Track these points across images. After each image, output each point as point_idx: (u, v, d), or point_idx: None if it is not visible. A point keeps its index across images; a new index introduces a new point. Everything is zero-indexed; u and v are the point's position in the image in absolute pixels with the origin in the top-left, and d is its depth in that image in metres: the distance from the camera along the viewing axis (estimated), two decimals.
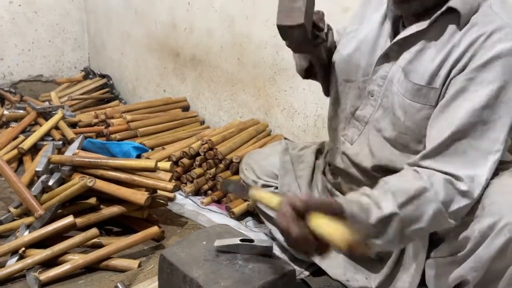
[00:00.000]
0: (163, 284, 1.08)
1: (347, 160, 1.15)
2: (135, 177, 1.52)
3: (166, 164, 1.59)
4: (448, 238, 0.99)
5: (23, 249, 1.34)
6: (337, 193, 1.26)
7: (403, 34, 0.98)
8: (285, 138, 1.46)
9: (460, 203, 0.86)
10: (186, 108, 2.54)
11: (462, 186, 0.85)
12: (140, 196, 1.44)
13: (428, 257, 1.05)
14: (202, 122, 2.47)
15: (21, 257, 1.34)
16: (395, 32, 1.02)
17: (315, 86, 1.87)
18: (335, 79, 1.17)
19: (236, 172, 1.77)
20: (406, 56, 0.98)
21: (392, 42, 1.00)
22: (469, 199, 0.86)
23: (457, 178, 0.86)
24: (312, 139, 1.89)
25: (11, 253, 1.34)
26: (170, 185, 1.51)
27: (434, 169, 0.87)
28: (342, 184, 1.24)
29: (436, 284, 1.02)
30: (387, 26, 1.04)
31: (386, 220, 0.81)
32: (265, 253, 1.05)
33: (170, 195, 1.71)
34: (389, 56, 1.02)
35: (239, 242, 1.03)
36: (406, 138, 1.00)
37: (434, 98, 0.93)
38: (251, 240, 1.05)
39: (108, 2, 2.96)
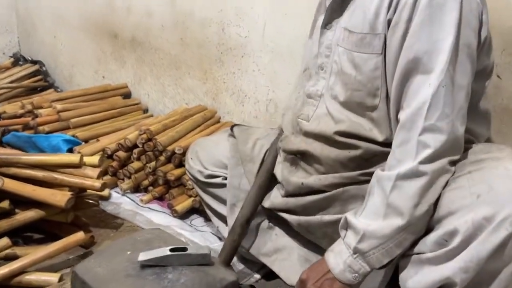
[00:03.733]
0: None
1: (307, 138, 1.02)
2: (56, 175, 1.30)
3: (94, 159, 1.38)
4: (429, 231, 0.84)
5: None
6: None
7: None
8: (234, 125, 1.28)
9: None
10: (127, 95, 2.31)
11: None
12: (60, 198, 1.23)
13: (403, 254, 0.90)
14: (146, 110, 2.25)
15: None
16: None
17: (265, 68, 1.71)
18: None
19: (179, 165, 1.58)
20: (345, 16, 0.95)
21: (327, 8, 0.97)
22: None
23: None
24: (264, 126, 1.73)
25: None
26: (98, 183, 1.30)
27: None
28: (304, 167, 1.08)
29: (413, 286, 0.85)
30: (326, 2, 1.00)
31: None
32: (202, 262, 0.88)
33: (104, 193, 1.50)
34: (330, 24, 0.98)
35: (168, 253, 0.85)
36: (360, 95, 0.93)
37: (379, 45, 0.88)
38: (184, 249, 0.87)
39: None
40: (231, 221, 1.13)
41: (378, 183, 0.84)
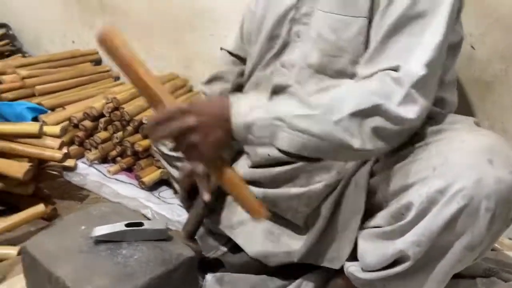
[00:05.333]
0: (30, 283, 0.85)
1: None
2: (14, 145, 1.24)
3: (55, 128, 1.32)
4: (387, 205, 0.82)
5: None
6: None
7: None
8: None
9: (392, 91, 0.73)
10: (97, 62, 2.21)
11: (394, 74, 0.74)
12: (17, 169, 1.18)
13: (362, 227, 0.89)
14: (117, 78, 2.16)
15: None
16: None
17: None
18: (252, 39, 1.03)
19: (147, 136, 1.53)
20: None
21: None
22: (399, 86, 0.73)
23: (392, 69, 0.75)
24: None
25: None
26: (59, 154, 1.25)
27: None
28: None
29: (370, 260, 0.84)
30: None
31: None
32: (160, 238, 0.85)
33: (69, 164, 1.44)
34: None
35: (123, 229, 0.82)
36: (341, 62, 0.87)
37: (364, 6, 0.82)
38: (140, 224, 0.84)
39: None
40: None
41: (349, 92, 0.77)
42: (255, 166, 1.05)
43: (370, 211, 0.87)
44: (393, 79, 0.74)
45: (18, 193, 1.28)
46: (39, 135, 1.26)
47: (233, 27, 1.66)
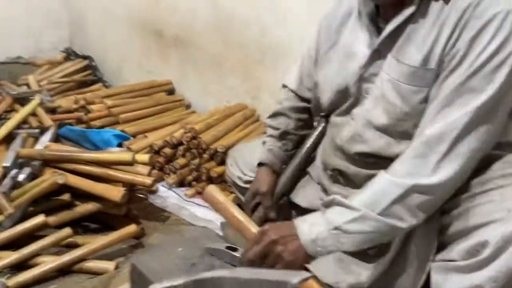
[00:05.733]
0: None
1: (342, 155, 1.07)
2: (111, 172, 1.42)
3: (145, 157, 1.49)
4: (461, 240, 0.89)
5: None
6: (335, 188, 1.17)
7: (391, 26, 0.94)
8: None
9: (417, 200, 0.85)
10: (171, 92, 2.41)
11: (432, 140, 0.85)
12: (115, 193, 1.35)
13: (435, 259, 0.95)
14: (188, 107, 2.35)
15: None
16: (375, 27, 0.99)
17: None
18: (325, 94, 1.12)
19: (221, 163, 1.67)
20: (397, 45, 0.94)
21: (382, 37, 0.96)
22: (433, 152, 0.85)
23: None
24: None
25: None
26: (149, 180, 1.42)
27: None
28: (341, 182, 1.14)
29: None
30: (365, 23, 1.00)
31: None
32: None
33: (152, 187, 1.61)
34: (379, 51, 0.98)
35: (224, 249, 0.96)
36: (406, 125, 0.95)
37: (431, 79, 0.90)
38: (235, 249, 0.96)
39: None
40: None
41: (384, 183, 0.88)
42: None
43: (442, 244, 0.94)
44: (429, 145, 0.85)
45: (113, 214, 1.46)
46: (132, 163, 1.44)
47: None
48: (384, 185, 0.88)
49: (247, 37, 1.94)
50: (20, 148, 1.50)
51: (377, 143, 0.99)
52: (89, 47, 2.97)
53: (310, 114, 1.26)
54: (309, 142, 1.21)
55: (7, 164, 1.43)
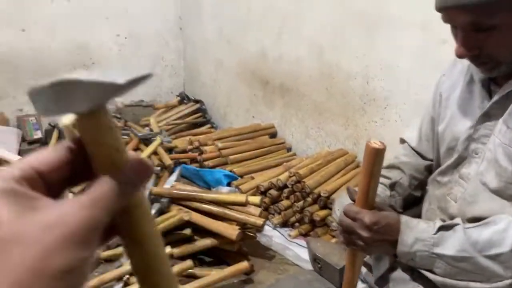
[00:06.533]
0: None
1: (448, 219, 1.10)
2: (227, 211, 1.59)
3: (256, 199, 1.64)
4: None
5: (128, 276, 1.47)
6: None
7: (502, 92, 0.98)
8: None
9: None
10: (273, 135, 2.59)
11: None
12: (231, 232, 1.50)
13: None
14: (289, 149, 2.50)
15: (126, 284, 1.46)
16: (487, 91, 1.03)
17: (408, 119, 1.81)
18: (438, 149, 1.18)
19: (324, 207, 1.76)
20: (508, 110, 0.97)
21: (492, 102, 0.99)
22: None
23: None
24: None
25: (116, 280, 1.48)
26: (260, 221, 1.56)
27: None
28: None
29: None
30: (477, 87, 1.05)
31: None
32: None
33: (262, 227, 1.75)
34: (489, 114, 1.01)
35: None
36: None
37: None
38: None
39: (203, 32, 3.14)
40: (376, 271, 1.26)
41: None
42: None
43: None
44: None
45: (226, 249, 1.62)
46: (245, 204, 1.59)
47: (400, 114, 1.85)
48: (508, 229, 0.90)
49: (350, 86, 2.05)
50: (152, 185, 1.74)
51: (490, 205, 1.01)
52: (200, 92, 3.30)
53: (425, 176, 1.28)
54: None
55: None
